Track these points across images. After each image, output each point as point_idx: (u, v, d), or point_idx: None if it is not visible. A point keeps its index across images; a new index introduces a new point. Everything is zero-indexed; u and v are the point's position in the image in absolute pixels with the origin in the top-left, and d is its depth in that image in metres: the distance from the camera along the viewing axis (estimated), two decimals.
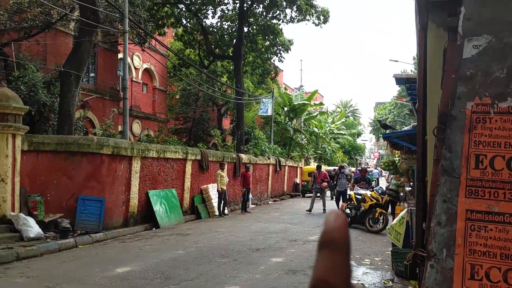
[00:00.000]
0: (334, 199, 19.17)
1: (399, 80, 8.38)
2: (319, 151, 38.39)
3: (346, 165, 23.58)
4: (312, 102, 32.67)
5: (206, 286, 6.81)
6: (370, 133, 66.65)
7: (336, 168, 21.12)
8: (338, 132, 41.63)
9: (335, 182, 18.77)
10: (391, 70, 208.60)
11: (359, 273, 8.03)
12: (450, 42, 2.13)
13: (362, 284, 6.81)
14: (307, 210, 18.16)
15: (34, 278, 7.33)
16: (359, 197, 13.59)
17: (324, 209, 17.85)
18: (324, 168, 28.23)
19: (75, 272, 7.77)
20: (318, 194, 18.77)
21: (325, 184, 18.40)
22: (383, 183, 26.60)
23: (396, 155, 14.64)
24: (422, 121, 2.32)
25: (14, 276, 7.48)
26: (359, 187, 14.87)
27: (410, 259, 2.29)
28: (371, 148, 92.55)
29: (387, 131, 9.84)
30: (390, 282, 7.38)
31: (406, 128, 15.40)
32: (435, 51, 2.31)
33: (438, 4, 2.28)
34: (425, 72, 2.34)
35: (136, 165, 13.33)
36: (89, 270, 7.88)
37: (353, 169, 34.76)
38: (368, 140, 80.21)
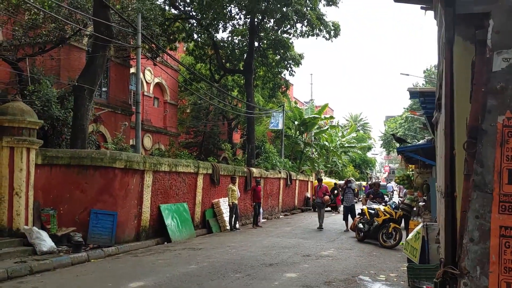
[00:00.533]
0: (342, 216, 18.14)
1: (413, 93, 8.34)
2: (329, 165, 38.26)
3: (353, 179, 23.42)
4: (322, 116, 32.65)
5: None
6: (381, 147, 66.31)
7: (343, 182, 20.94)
8: (349, 145, 41.48)
9: (342, 197, 18.63)
10: (401, 83, 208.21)
11: None
12: (479, 55, 2.11)
13: None
14: (318, 228, 17.61)
15: None
16: (372, 211, 13.46)
17: (320, 225, 17.48)
18: (332, 182, 28.10)
19: (89, 286, 7.75)
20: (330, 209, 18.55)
21: (326, 197, 18.01)
22: (395, 198, 26.36)
23: (410, 169, 14.53)
24: (450, 135, 2.28)
25: None
26: (372, 201, 14.74)
27: (440, 277, 2.23)
28: (382, 162, 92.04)
29: (401, 145, 9.74)
30: None
31: (420, 142, 15.30)
32: (461, 65, 2.28)
33: (465, 18, 2.25)
34: (452, 86, 2.30)
35: (148, 179, 13.35)
36: (103, 285, 7.85)
37: (364, 183, 34.57)
38: (378, 154, 79.84)
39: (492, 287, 1.89)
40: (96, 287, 7.63)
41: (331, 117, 37.97)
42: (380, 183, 30.70)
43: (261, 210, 19.35)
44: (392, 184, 50.72)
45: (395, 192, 39.45)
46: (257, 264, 9.83)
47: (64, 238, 11.22)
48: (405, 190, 17.32)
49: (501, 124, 1.98)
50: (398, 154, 13.38)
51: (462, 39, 2.24)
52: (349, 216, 16.97)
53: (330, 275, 8.81)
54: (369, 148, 55.34)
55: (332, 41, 27.42)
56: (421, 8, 7.26)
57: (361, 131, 57.37)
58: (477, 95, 2.06)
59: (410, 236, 8.91)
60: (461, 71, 2.27)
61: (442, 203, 3.73)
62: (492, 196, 1.94)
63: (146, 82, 26.01)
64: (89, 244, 11.45)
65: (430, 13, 5.38)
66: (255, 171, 21.38)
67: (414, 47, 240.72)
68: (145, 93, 25.72)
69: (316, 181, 20.11)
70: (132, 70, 23.63)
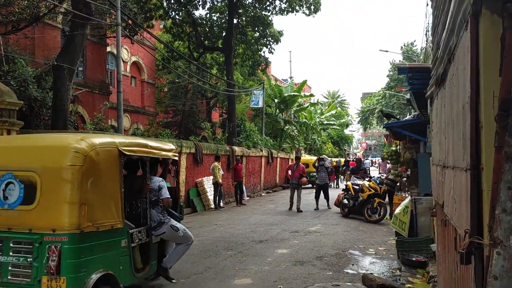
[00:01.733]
0: (314, 194, 16.84)
1: (402, 69, 8.39)
2: (309, 142, 38.49)
3: (326, 156, 23.04)
4: (302, 93, 32.69)
5: (217, 279, 6.78)
6: (358, 123, 66.99)
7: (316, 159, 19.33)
8: (328, 123, 41.75)
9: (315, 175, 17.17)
10: (378, 60, 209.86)
11: (366, 262, 8.07)
12: (509, 28, 2.11)
13: (371, 273, 6.84)
14: (289, 209, 16.13)
15: None
16: (357, 187, 13.64)
17: (298, 207, 15.72)
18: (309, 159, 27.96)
19: None
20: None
21: (304, 179, 16.25)
22: (374, 174, 26.75)
23: (394, 145, 14.73)
24: (476, 108, 2.31)
25: None
26: (356, 177, 14.94)
27: (465, 247, 2.28)
28: (359, 138, 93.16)
29: (389, 121, 9.79)
30: (398, 271, 7.44)
31: (407, 117, 15.47)
32: (489, 38, 2.28)
33: None
34: (478, 59, 2.32)
35: None
36: None
37: (343, 160, 34.92)
38: (355, 131, 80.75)
39: None
40: None
41: (311, 95, 37.95)
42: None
43: (244, 188, 19.40)
44: (369, 160, 51.52)
45: (372, 168, 40.02)
46: (247, 241, 9.90)
47: None
48: (389, 165, 17.44)
49: None
50: (386, 130, 13.52)
51: (489, 12, 2.24)
52: (322, 195, 16.23)
53: (320, 250, 8.95)
54: (347, 125, 55.83)
55: (314, 17, 27.33)
56: None
57: (338, 108, 57.69)
58: (508, 68, 2.07)
59: (398, 210, 9.08)
60: (487, 44, 2.27)
61: (447, 176, 3.79)
62: None
63: (123, 61, 25.46)
64: None
65: None
66: (237, 149, 21.38)
67: (391, 24, 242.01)
68: (122, 72, 25.21)
69: (294, 159, 17.82)
70: (109, 48, 23.10)
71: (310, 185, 24.49)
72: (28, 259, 4.55)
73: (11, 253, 4.64)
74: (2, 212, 4.74)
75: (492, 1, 2.25)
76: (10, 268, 4.62)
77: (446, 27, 3.46)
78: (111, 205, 5.10)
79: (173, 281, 6.55)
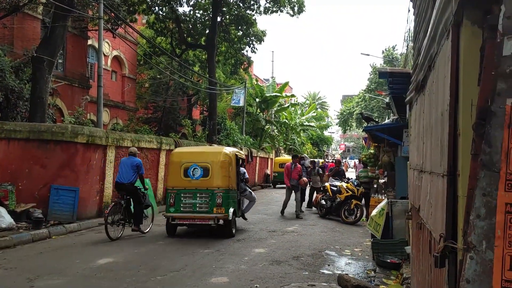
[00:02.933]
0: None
1: (382, 73, 8.51)
2: (288, 143, 38.67)
3: (306, 155, 22.75)
4: (283, 94, 32.81)
5: (194, 277, 6.77)
6: (337, 125, 67.51)
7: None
8: (308, 124, 42.01)
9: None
10: (359, 63, 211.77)
11: (342, 263, 8.16)
12: (489, 39, 2.18)
13: (347, 274, 6.92)
14: (282, 214, 14.64)
15: (12, 270, 7.10)
16: (335, 188, 13.77)
17: (297, 213, 14.23)
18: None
19: (55, 263, 7.58)
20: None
21: (305, 179, 14.93)
22: (351, 175, 27.00)
23: (372, 148, 14.90)
24: (454, 116, 2.37)
25: None
26: (334, 178, 15.08)
27: (440, 251, 2.34)
28: (338, 140, 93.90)
29: (369, 124, 9.90)
30: (373, 272, 7.54)
31: (386, 121, 15.67)
32: (468, 48, 2.35)
33: (473, 2, 2.32)
34: (458, 68, 2.38)
35: (111, 154, 13.08)
36: (70, 261, 7.70)
37: (321, 160, 35.17)
38: (335, 132, 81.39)
39: (497, 260, 2.00)
40: (63, 264, 7.47)
41: (293, 96, 38.16)
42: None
43: None
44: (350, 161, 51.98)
45: (351, 170, 40.41)
46: (225, 240, 9.91)
47: (24, 214, 10.86)
48: (359, 168, 17.41)
49: (510, 106, 2.07)
50: (365, 132, 13.66)
51: (470, 23, 2.30)
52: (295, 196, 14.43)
53: (297, 250, 9.01)
54: (327, 126, 56.24)
55: (297, 17, 27.58)
56: None
57: (319, 110, 58.08)
58: (486, 78, 2.14)
59: (374, 212, 9.21)
60: (467, 54, 2.34)
61: (424, 180, 3.87)
62: (499, 174, 2.04)
63: (104, 54, 25.11)
64: (50, 220, 11.15)
65: None
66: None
67: (373, 29, 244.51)
68: (103, 66, 24.89)
69: (292, 158, 16.01)
70: (90, 41, 22.79)
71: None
72: (207, 200, 10.09)
73: (197, 199, 10.16)
74: (193, 181, 10.26)
75: (473, 12, 2.32)
76: (197, 205, 10.13)
77: (427, 34, 3.54)
78: (234, 179, 10.84)
79: (247, 219, 12.16)
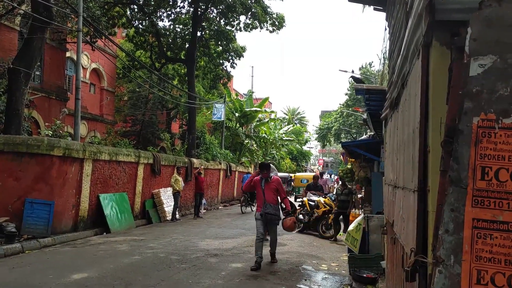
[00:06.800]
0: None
1: (359, 90, 8.66)
2: (268, 157, 38.77)
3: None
4: (263, 109, 32.99)
5: None
6: (316, 140, 68.02)
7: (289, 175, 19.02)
8: (287, 138, 42.22)
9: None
10: (338, 79, 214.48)
11: (319, 278, 8.19)
12: (457, 60, 2.27)
13: None
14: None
15: None
16: (312, 203, 13.84)
17: (273, 257, 9.24)
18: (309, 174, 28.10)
19: (28, 278, 7.41)
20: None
21: (291, 220, 9.78)
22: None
23: (349, 164, 15.05)
24: (424, 134, 2.44)
25: None
26: (312, 193, 15.15)
27: (410, 265, 2.39)
28: (317, 155, 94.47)
29: (359, 86, 9.30)
30: (349, 287, 7.58)
31: (363, 137, 15.86)
32: (437, 68, 2.43)
33: (442, 24, 2.42)
34: (428, 87, 2.46)
35: (88, 168, 12.92)
36: (43, 276, 7.54)
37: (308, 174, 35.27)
38: (313, 147, 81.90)
39: (465, 273, 2.06)
40: (37, 279, 7.32)
41: (272, 111, 38.41)
42: (325, 176, 31.32)
43: (203, 201, 19.32)
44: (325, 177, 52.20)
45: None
46: (202, 254, 9.84)
47: None
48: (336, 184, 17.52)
49: (476, 125, 2.15)
50: (342, 148, 13.80)
51: (439, 44, 2.39)
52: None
53: (274, 265, 9.00)
54: (306, 141, 56.61)
55: (277, 33, 27.81)
56: (374, 9, 7.56)
57: (298, 125, 58.48)
58: (454, 97, 2.22)
59: (351, 227, 9.28)
60: (436, 74, 2.43)
61: (397, 196, 3.95)
62: (466, 190, 2.11)
63: (83, 67, 24.96)
64: (23, 234, 10.92)
65: (376, 14, 5.64)
66: (196, 161, 21.28)
67: (351, 44, 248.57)
68: (81, 79, 24.69)
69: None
70: (68, 54, 22.61)
71: None
72: None
73: None
74: None
75: (442, 34, 2.42)
76: None
77: (401, 53, 3.64)
78: None
79: None
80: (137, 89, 28.95)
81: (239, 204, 21.85)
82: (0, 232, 10.55)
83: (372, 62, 52.96)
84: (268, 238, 9.53)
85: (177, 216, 17.24)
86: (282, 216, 9.30)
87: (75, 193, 12.47)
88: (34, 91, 18.75)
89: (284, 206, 9.24)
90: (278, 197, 9.06)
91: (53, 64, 20.72)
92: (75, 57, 19.95)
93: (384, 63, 18.61)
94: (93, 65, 26.38)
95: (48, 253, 9.96)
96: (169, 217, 16.85)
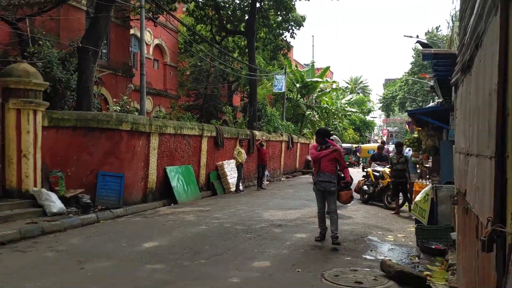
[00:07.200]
0: None
1: (426, 55, 8.23)
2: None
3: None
4: (324, 79, 32.42)
5: (236, 261, 6.87)
6: (379, 109, 66.23)
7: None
8: (349, 108, 41.40)
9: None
10: (402, 46, 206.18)
11: (385, 249, 8.06)
12: None
13: (390, 259, 6.82)
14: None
15: (63, 252, 7.42)
16: (377, 174, 13.56)
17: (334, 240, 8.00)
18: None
19: (103, 246, 7.87)
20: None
21: (349, 194, 8.49)
22: None
23: (416, 132, 14.51)
24: (503, 96, 2.27)
25: (44, 250, 7.57)
26: (376, 164, 14.82)
27: (488, 235, 2.27)
28: (380, 125, 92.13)
29: (427, 51, 8.66)
30: (417, 259, 7.41)
31: (431, 104, 15.20)
32: None
33: None
34: (507, 46, 2.27)
35: (154, 142, 13.36)
36: (116, 244, 7.97)
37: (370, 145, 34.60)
38: (377, 117, 79.87)
39: None
40: (111, 247, 7.75)
41: (334, 81, 37.65)
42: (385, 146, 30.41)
43: (266, 172, 19.50)
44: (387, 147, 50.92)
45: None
46: (266, 225, 9.98)
47: (73, 200, 11.30)
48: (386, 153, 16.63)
49: None
50: (408, 116, 13.30)
51: None
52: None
53: (339, 235, 8.94)
54: (369, 111, 55.28)
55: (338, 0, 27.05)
56: None
57: (360, 94, 57.14)
58: None
59: (418, 197, 9.01)
60: None
61: (470, 164, 3.75)
62: None
63: (146, 43, 25.59)
64: (98, 205, 11.56)
65: None
66: (257, 133, 21.42)
67: (415, 9, 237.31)
68: (145, 55, 25.37)
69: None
70: (132, 31, 23.24)
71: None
72: None
73: None
74: None
75: None
76: None
77: (474, 12, 3.39)
78: None
79: None
80: (199, 63, 29.35)
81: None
82: (76, 203, 11.25)
83: (440, 26, 50.42)
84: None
85: (241, 187, 17.54)
86: (340, 185, 8.30)
87: (143, 166, 12.98)
88: (102, 68, 19.51)
89: (343, 176, 8.31)
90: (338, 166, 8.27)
91: (118, 41, 21.38)
92: (138, 34, 20.46)
93: (453, 27, 17.59)
94: (156, 41, 26.97)
95: (120, 223, 10.49)
96: (233, 189, 17.18)
